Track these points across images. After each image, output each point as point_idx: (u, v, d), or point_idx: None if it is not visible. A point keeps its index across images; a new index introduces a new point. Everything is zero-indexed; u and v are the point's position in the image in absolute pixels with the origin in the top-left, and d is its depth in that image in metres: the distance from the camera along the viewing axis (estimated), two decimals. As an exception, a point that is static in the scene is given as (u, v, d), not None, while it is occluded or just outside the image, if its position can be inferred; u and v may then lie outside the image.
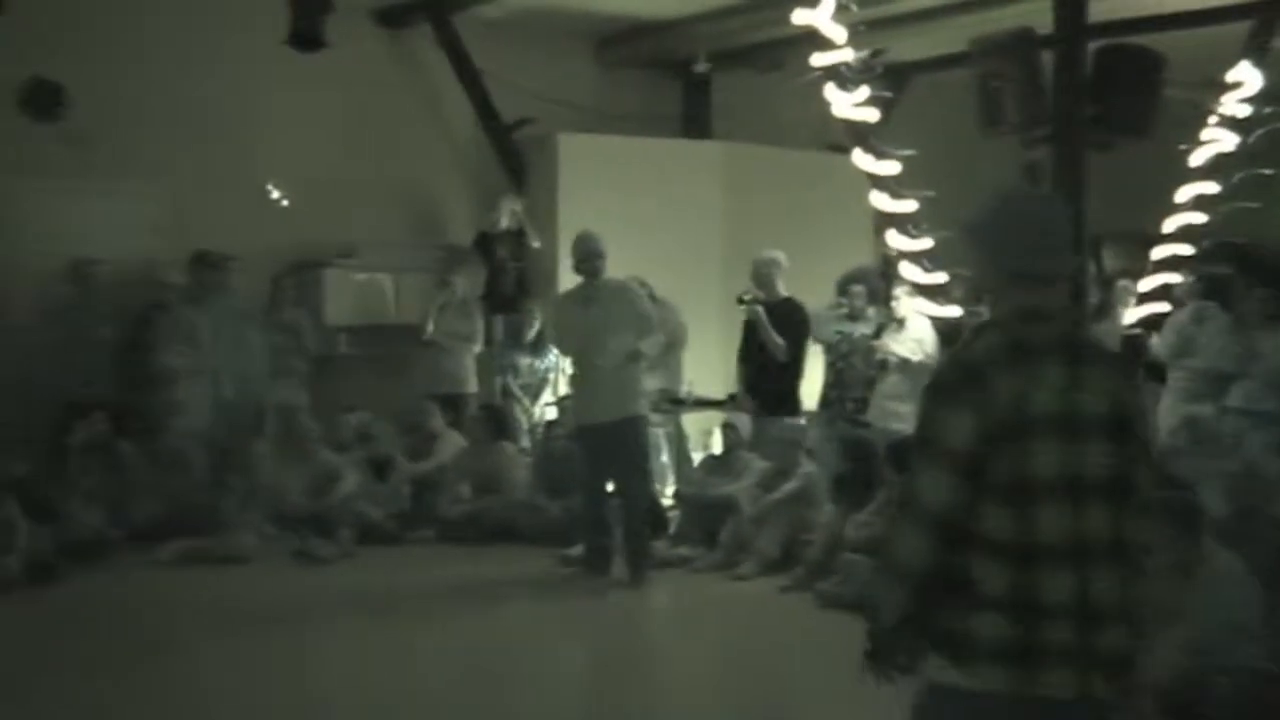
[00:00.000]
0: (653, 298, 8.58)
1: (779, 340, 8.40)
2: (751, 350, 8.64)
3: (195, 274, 9.02)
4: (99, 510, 7.93)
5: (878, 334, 8.52)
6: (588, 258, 7.35)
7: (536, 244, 10.15)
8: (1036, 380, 2.40)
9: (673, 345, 9.07)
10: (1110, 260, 11.94)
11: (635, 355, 7.27)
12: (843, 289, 8.79)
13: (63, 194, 8.96)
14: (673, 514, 8.40)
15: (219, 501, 8.15)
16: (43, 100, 8.93)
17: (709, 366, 9.66)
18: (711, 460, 8.74)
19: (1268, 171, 8.59)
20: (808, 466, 7.91)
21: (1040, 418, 2.39)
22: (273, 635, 6.34)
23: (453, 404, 9.43)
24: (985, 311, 2.69)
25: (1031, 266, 2.53)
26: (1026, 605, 2.37)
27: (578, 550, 7.62)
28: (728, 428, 8.53)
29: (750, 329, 8.62)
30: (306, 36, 8.34)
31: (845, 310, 8.68)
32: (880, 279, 9.13)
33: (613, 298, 7.39)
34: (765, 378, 8.55)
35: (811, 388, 8.88)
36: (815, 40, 8.46)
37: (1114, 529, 2.45)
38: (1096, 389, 2.46)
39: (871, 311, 8.68)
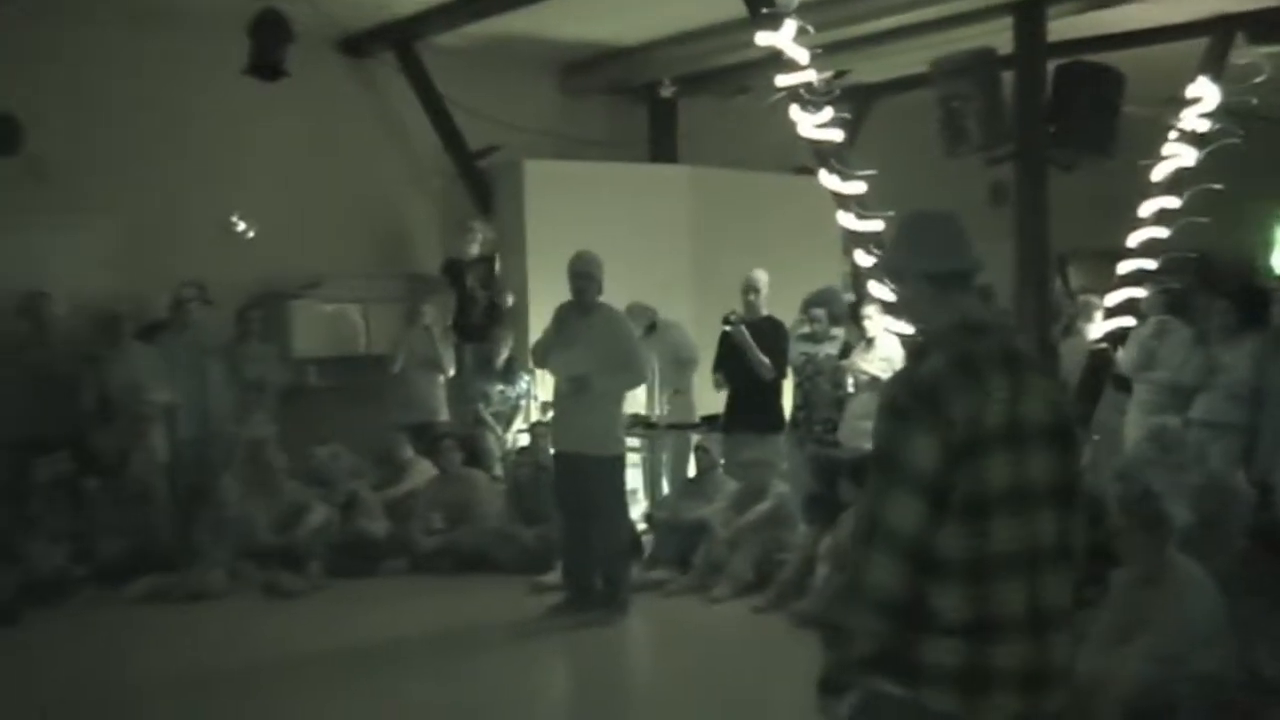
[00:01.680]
0: (654, 325, 8.82)
1: (764, 359, 8.38)
2: (733, 370, 8.61)
3: (174, 308, 9.00)
4: (63, 550, 7.81)
5: (843, 354, 8.55)
6: (572, 278, 7.09)
7: (510, 300, 10.11)
8: (986, 395, 2.41)
9: (684, 365, 9.10)
10: (1075, 277, 12.03)
11: (580, 383, 6.97)
12: (805, 311, 8.80)
13: (20, 229, 8.87)
14: (646, 538, 8.38)
15: (186, 537, 8.07)
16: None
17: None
18: (685, 483, 8.74)
19: (1217, 187, 8.68)
20: (780, 487, 7.90)
21: (991, 432, 2.39)
22: (244, 680, 6.16)
23: (423, 433, 9.38)
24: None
25: (945, 264, 2.60)
26: (980, 624, 2.37)
27: (552, 576, 7.56)
28: (700, 450, 8.55)
29: (728, 348, 8.59)
30: (268, 66, 8.32)
31: (809, 331, 8.70)
32: (844, 300, 9.17)
33: (593, 324, 7.08)
34: (748, 397, 8.51)
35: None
36: (779, 63, 8.49)
37: (1060, 535, 2.47)
38: (1038, 397, 2.48)
39: (835, 332, 8.70)
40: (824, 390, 8.54)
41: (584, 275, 7.07)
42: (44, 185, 8.89)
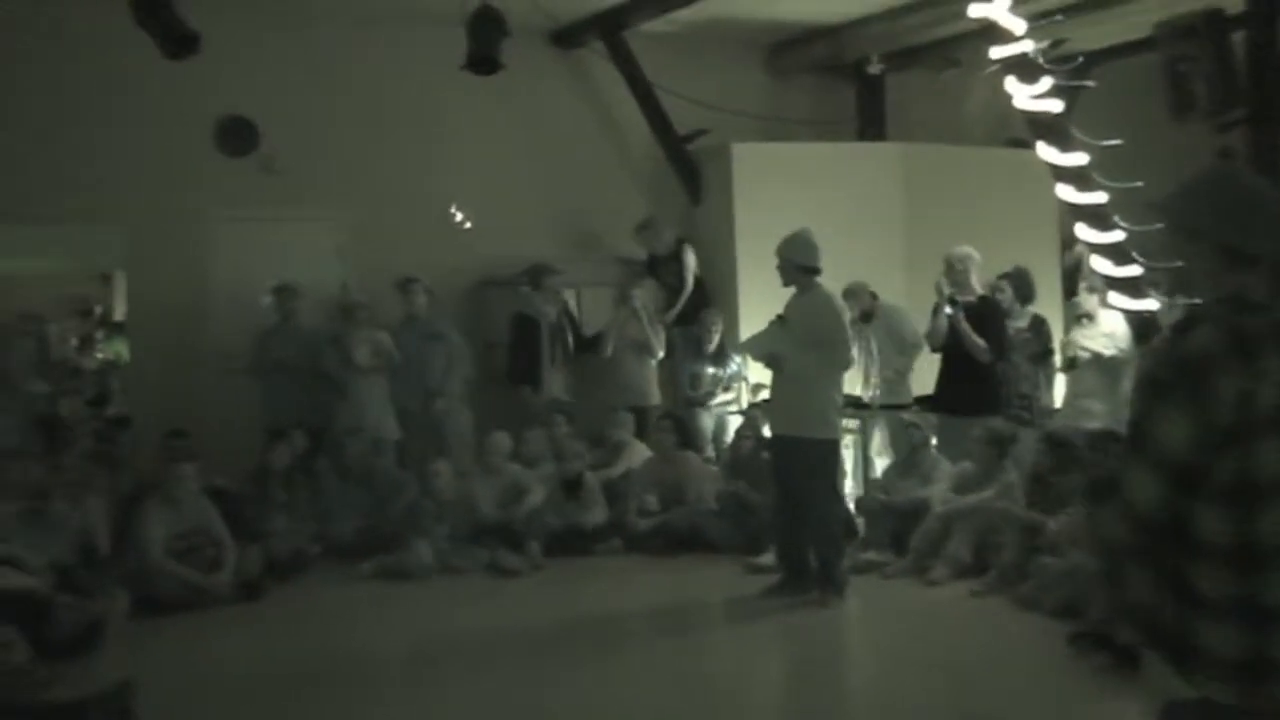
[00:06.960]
0: (870, 314, 8.89)
1: (980, 341, 8.10)
2: (948, 349, 8.36)
3: (401, 297, 9.31)
4: (301, 528, 8.23)
5: (1035, 330, 8.38)
6: (778, 260, 7.16)
7: (691, 276, 10.22)
8: (1259, 375, 2.27)
9: (907, 349, 9.05)
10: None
11: (774, 360, 7.06)
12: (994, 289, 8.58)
13: (259, 224, 9.40)
14: (859, 520, 8.29)
15: (408, 517, 8.34)
16: (237, 135, 9.42)
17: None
18: (898, 464, 8.62)
19: None
20: (1011, 474, 7.65)
21: (1264, 414, 2.27)
22: (469, 655, 6.38)
23: (637, 415, 9.50)
24: (1182, 302, 2.58)
25: (1248, 244, 2.42)
26: (1254, 611, 2.28)
27: (767, 557, 7.58)
28: (912, 427, 8.41)
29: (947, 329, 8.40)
30: (485, 60, 8.53)
31: None
32: (1031, 279, 8.88)
33: (799, 305, 7.09)
34: (963, 376, 8.26)
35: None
36: (990, 34, 8.30)
37: None
38: None
39: (1020, 308, 8.52)
40: (1017, 366, 8.35)
41: (780, 256, 7.10)
42: (275, 181, 9.38)
